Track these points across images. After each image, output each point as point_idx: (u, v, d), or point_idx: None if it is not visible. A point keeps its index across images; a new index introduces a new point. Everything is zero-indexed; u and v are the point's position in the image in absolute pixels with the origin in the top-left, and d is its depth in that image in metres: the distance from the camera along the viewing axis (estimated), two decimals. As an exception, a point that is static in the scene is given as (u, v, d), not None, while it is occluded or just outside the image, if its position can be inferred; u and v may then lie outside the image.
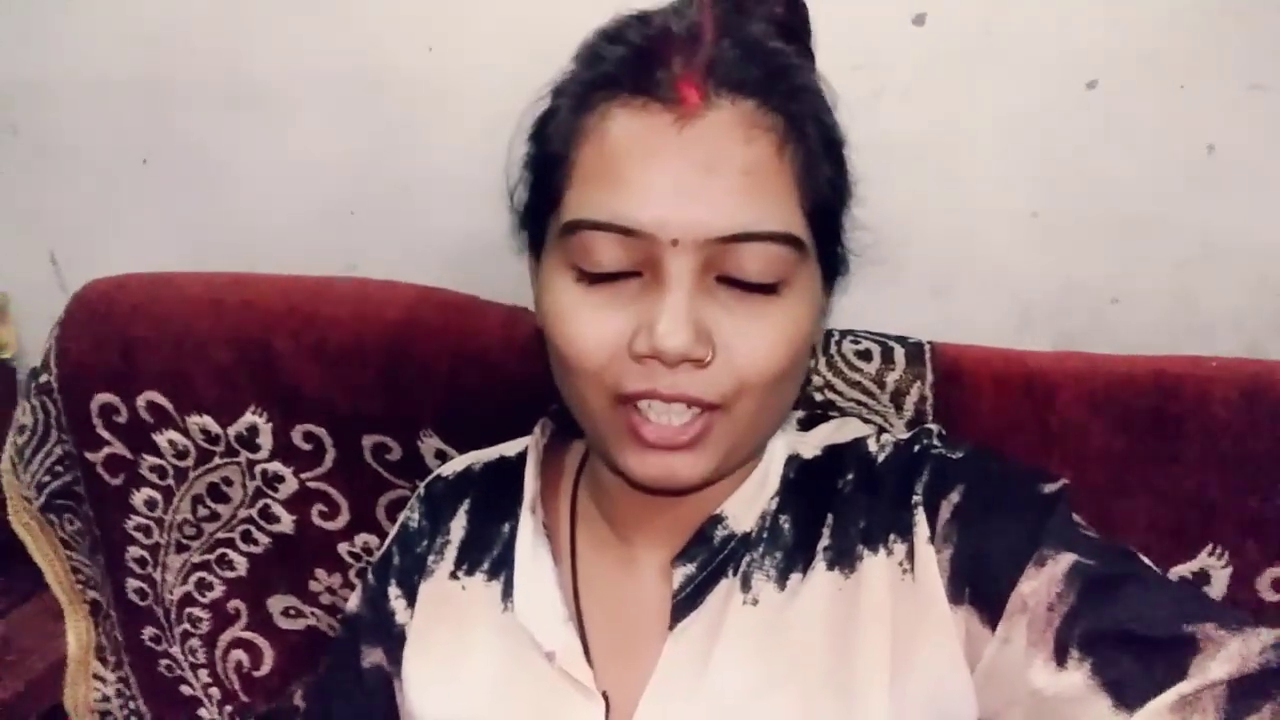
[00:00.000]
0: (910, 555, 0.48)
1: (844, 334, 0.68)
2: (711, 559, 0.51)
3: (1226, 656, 0.37)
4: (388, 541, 0.62)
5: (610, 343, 0.45)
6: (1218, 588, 0.63)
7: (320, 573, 0.79)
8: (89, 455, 0.79)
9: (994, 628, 0.43)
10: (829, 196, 0.48)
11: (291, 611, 0.81)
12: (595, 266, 0.45)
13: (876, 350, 0.67)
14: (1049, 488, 0.47)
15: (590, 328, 0.45)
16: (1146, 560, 0.45)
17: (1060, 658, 0.40)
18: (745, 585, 0.50)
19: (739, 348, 0.45)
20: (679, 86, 0.44)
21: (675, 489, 0.47)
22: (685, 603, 0.50)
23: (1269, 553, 0.62)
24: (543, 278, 0.49)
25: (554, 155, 0.48)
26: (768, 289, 0.45)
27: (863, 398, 0.66)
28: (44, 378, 0.79)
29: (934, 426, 0.54)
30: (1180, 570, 0.63)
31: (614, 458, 0.47)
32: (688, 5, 0.48)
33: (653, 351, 0.43)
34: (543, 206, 0.49)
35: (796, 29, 0.51)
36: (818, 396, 0.66)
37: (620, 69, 0.46)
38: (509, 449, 0.63)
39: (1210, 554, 0.63)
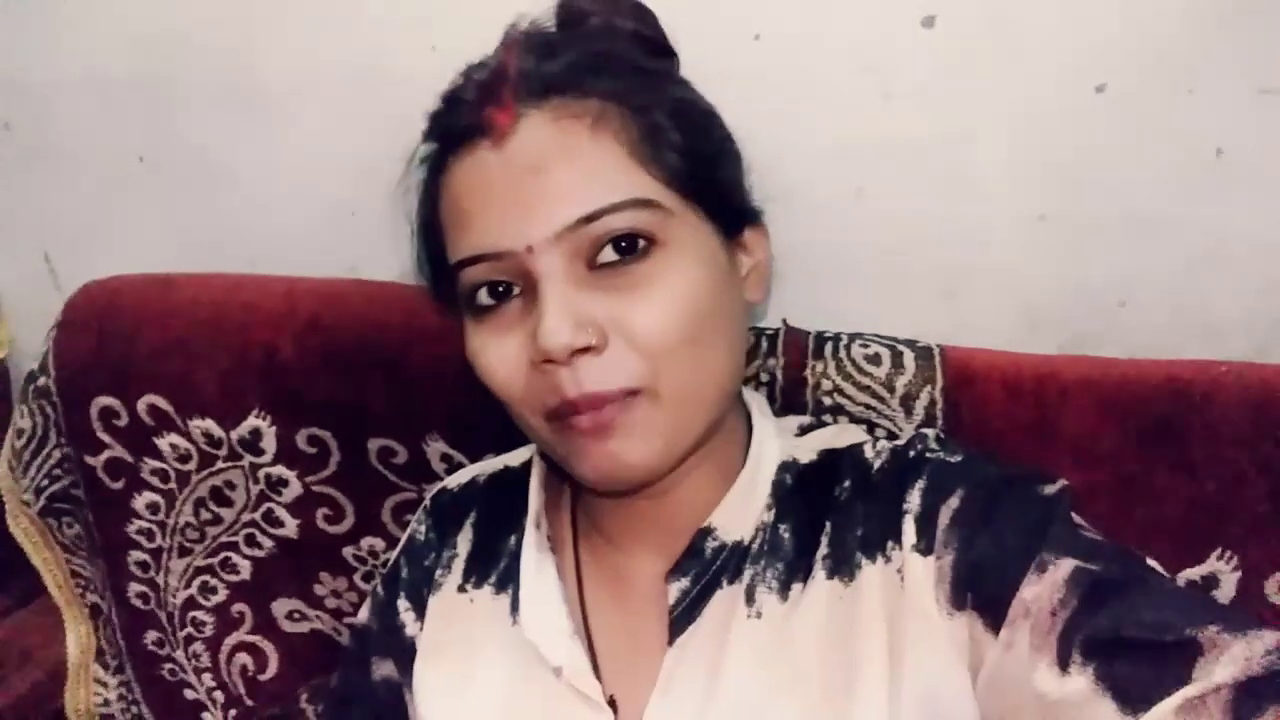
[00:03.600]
0: (905, 562, 0.48)
1: (853, 337, 0.68)
2: (705, 571, 0.51)
3: (1230, 659, 0.37)
4: (396, 553, 0.62)
5: (517, 366, 0.47)
6: (1226, 591, 0.63)
7: (325, 576, 0.78)
8: (89, 459, 0.78)
9: (997, 633, 0.43)
10: (687, 161, 0.48)
11: (296, 615, 0.80)
12: (483, 299, 0.48)
13: (886, 354, 0.67)
14: (1048, 490, 0.47)
15: (498, 358, 0.48)
16: (1149, 561, 0.45)
17: (1064, 662, 0.40)
18: (749, 599, 0.50)
19: (630, 321, 0.45)
20: (490, 117, 0.47)
21: (629, 478, 0.47)
22: (682, 617, 0.50)
23: (1278, 556, 0.62)
24: (464, 327, 0.51)
25: (427, 223, 0.53)
26: (638, 256, 0.46)
27: (872, 402, 0.66)
28: (41, 380, 0.78)
29: (930, 430, 0.54)
30: (1189, 574, 0.63)
31: (571, 468, 0.49)
32: (499, 48, 0.51)
33: (542, 355, 0.44)
34: (438, 269, 0.53)
35: (648, 37, 0.54)
36: (827, 401, 0.66)
37: (449, 126, 0.50)
38: (513, 459, 0.63)
39: (1219, 557, 0.63)
